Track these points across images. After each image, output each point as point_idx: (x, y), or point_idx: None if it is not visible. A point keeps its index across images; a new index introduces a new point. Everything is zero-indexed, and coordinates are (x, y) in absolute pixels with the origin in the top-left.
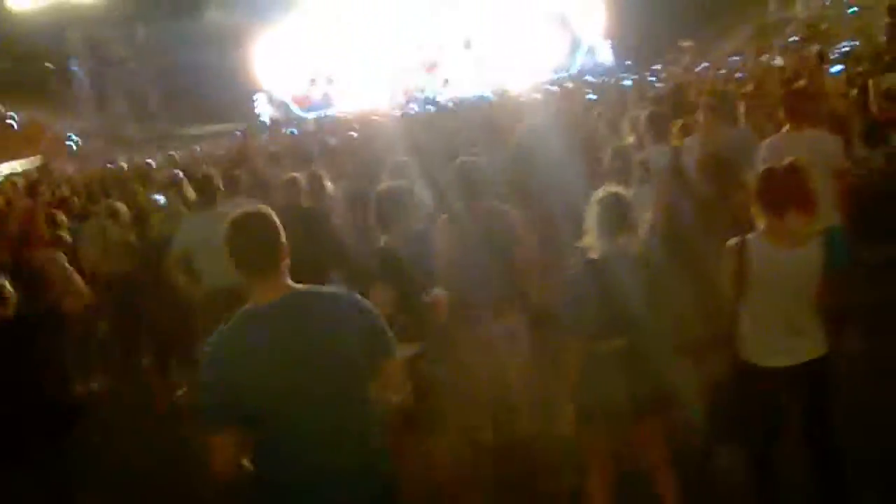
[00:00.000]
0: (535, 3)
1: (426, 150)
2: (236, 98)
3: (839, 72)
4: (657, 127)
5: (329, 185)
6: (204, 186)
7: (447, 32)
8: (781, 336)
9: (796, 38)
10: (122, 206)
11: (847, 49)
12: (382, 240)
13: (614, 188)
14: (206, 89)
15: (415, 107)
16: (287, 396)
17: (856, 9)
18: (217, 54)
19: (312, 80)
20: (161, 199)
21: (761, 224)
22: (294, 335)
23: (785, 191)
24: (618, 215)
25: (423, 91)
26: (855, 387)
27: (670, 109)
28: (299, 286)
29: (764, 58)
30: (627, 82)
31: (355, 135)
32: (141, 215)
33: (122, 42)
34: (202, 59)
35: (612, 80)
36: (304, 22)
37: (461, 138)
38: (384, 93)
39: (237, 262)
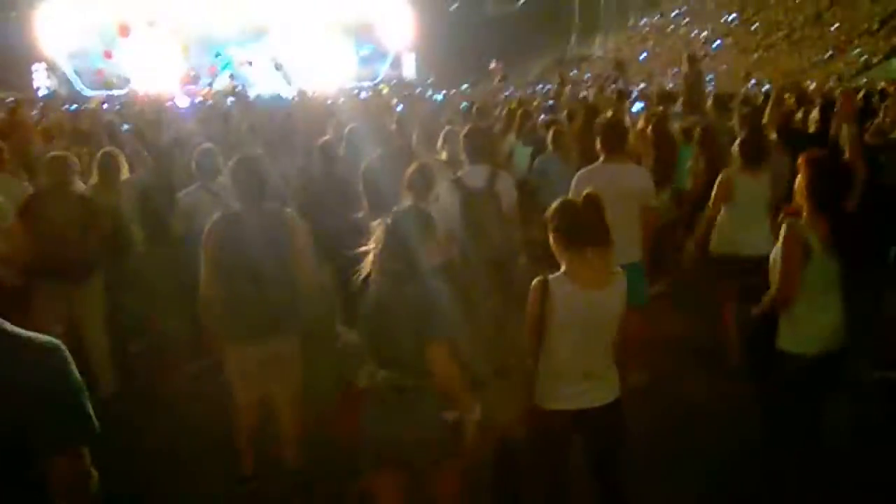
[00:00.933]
0: (340, 11)
1: (225, 144)
2: (10, 66)
3: (640, 110)
4: (476, 145)
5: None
6: None
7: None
8: (575, 380)
9: (598, 74)
10: None
11: (643, 87)
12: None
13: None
14: None
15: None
16: None
17: (646, 53)
18: None
19: (107, 54)
20: None
21: (563, 261)
22: None
23: (584, 225)
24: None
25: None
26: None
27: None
28: None
29: (568, 89)
30: (438, 96)
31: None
32: None
33: None
34: None
35: (418, 92)
36: None
37: (260, 136)
38: (174, 77)
39: None
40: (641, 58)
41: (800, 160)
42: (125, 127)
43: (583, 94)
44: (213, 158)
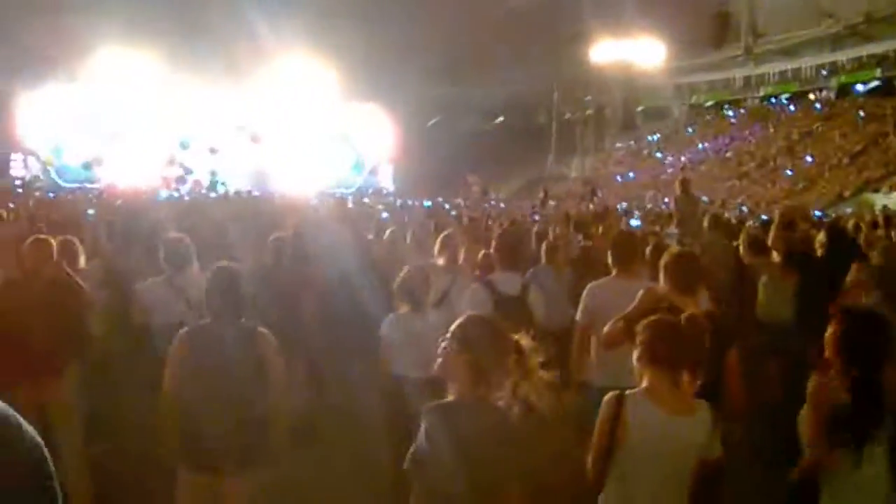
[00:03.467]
0: (323, 119)
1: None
2: None
3: (638, 227)
4: (510, 253)
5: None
6: None
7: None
8: None
9: (573, 192)
10: None
11: (625, 206)
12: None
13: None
14: None
15: (180, 189)
16: None
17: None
18: None
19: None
20: None
21: (644, 380)
22: None
23: (682, 345)
24: None
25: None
26: None
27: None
28: None
29: (552, 203)
30: (427, 203)
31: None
32: None
33: None
34: None
35: (399, 202)
36: (70, 90)
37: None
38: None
39: None
40: (617, 179)
41: (832, 310)
42: (89, 212)
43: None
44: (184, 249)
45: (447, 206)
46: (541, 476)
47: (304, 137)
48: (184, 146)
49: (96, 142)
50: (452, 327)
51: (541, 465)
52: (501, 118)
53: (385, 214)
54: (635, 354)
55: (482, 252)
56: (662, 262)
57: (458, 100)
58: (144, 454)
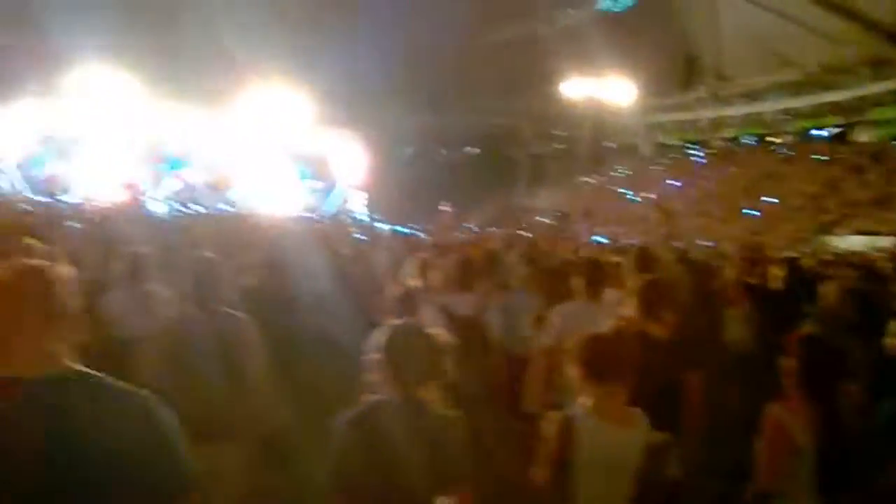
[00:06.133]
0: (294, 143)
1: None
2: None
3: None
4: (465, 275)
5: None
6: None
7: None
8: None
9: (550, 220)
10: None
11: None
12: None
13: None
14: None
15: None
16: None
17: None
18: None
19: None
20: None
21: (586, 396)
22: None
23: (619, 358)
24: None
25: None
26: None
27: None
28: (84, 370)
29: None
30: (402, 228)
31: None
32: None
33: None
34: None
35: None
36: (40, 105)
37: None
38: (114, 185)
39: None
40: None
41: (790, 338)
42: (77, 225)
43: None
44: (145, 263)
45: (421, 232)
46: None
47: (278, 161)
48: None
49: (65, 157)
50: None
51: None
52: (476, 149)
53: (359, 236)
54: (576, 371)
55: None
56: (632, 286)
57: (436, 130)
58: None
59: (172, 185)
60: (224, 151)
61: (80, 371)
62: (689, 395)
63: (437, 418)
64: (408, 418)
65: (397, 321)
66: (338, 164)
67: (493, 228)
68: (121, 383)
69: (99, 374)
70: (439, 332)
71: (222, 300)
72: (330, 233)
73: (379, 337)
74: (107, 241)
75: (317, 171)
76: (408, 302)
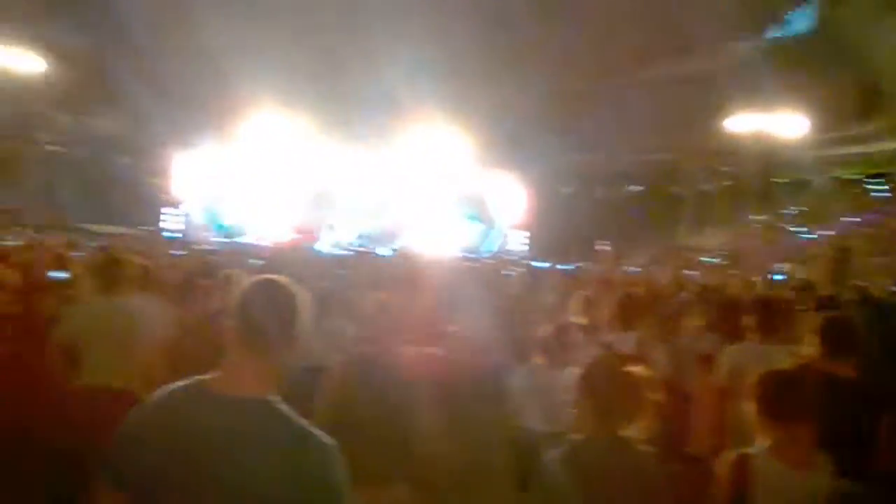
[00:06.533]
0: (453, 182)
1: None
2: (142, 207)
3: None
4: (628, 313)
5: None
6: (112, 271)
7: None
8: None
9: (716, 260)
10: (10, 275)
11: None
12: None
13: None
14: (116, 192)
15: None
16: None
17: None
18: (132, 162)
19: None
20: (60, 275)
21: (765, 438)
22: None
23: (801, 398)
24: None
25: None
26: None
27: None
28: (281, 405)
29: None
30: (564, 266)
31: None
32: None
33: (49, 125)
34: (118, 162)
35: (533, 265)
36: (220, 151)
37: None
38: (287, 226)
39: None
40: (752, 251)
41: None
42: (258, 262)
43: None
44: (331, 299)
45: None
46: None
47: (440, 201)
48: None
49: (244, 201)
50: (574, 377)
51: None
52: (638, 187)
53: (518, 275)
54: (754, 410)
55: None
56: (814, 325)
57: (595, 167)
58: None
59: (342, 225)
60: (389, 193)
61: (274, 400)
62: (883, 441)
63: (642, 456)
64: (613, 456)
65: (597, 356)
66: (497, 204)
67: (657, 267)
68: (304, 422)
69: (287, 408)
70: (639, 367)
71: (399, 339)
72: (490, 272)
73: (577, 373)
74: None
75: (477, 211)
76: (560, 340)
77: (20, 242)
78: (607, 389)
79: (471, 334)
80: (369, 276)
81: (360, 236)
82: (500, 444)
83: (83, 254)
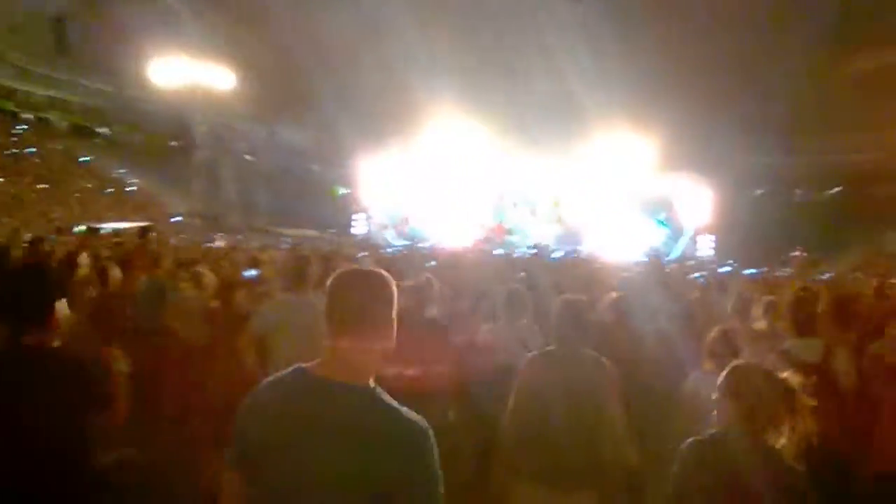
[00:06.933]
0: (636, 187)
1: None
2: (334, 211)
3: None
4: (809, 319)
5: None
6: (298, 270)
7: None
8: None
9: None
10: (208, 274)
11: None
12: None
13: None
14: (308, 197)
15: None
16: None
17: None
18: (321, 169)
19: (405, 220)
20: (252, 273)
21: None
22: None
23: None
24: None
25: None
26: None
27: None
28: (379, 389)
29: None
30: (752, 271)
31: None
32: (226, 287)
33: (243, 136)
34: (310, 169)
35: (719, 270)
36: (404, 157)
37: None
38: (466, 231)
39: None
40: None
41: None
42: (432, 263)
43: None
44: (522, 299)
45: (771, 276)
46: None
47: (620, 204)
48: (505, 209)
49: (427, 206)
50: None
51: None
52: (836, 188)
53: (702, 280)
54: None
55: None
56: None
57: (788, 169)
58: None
59: (525, 229)
60: (571, 196)
61: (376, 389)
62: None
63: (785, 467)
64: (753, 459)
65: (742, 362)
66: (683, 208)
67: (858, 275)
68: (405, 409)
69: (386, 395)
70: (788, 375)
71: (584, 340)
72: (674, 276)
73: (723, 377)
74: (458, 278)
75: (665, 215)
76: (726, 344)
77: (222, 245)
78: (750, 392)
79: (650, 339)
80: (551, 278)
81: (542, 240)
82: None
83: (274, 255)
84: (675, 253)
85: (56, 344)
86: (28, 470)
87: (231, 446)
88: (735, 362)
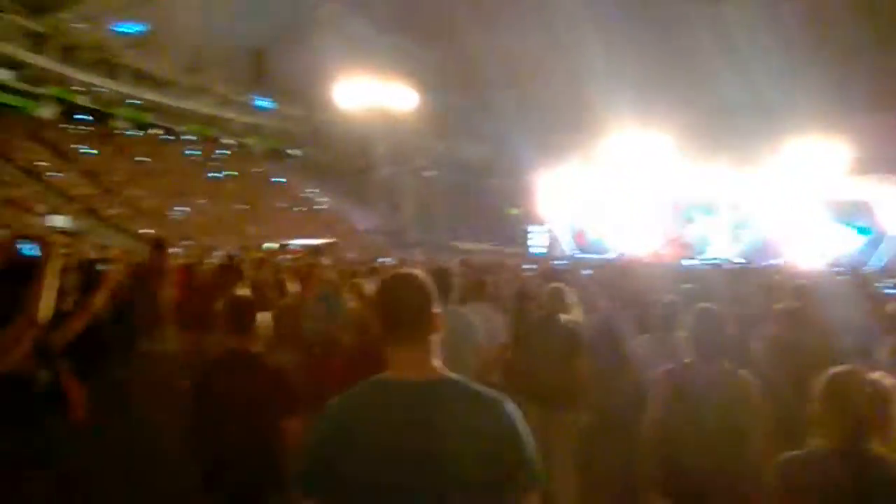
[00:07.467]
0: (829, 193)
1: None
2: (512, 224)
3: None
4: None
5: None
6: (440, 282)
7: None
8: None
9: None
10: (368, 286)
11: None
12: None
13: None
14: (485, 210)
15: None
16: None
17: None
18: (499, 184)
19: (580, 236)
20: None
21: None
22: (415, 429)
23: None
24: None
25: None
26: None
27: None
28: (451, 375)
29: None
30: None
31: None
32: None
33: (423, 152)
34: (488, 184)
35: None
36: (583, 170)
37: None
38: (648, 242)
39: (382, 321)
40: None
41: None
42: (587, 272)
43: None
44: (674, 311)
45: None
46: None
47: (811, 211)
48: (689, 219)
49: (605, 216)
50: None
51: None
52: None
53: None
54: None
55: None
56: None
57: None
58: None
59: (716, 239)
60: (760, 206)
61: (449, 376)
62: None
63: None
64: (850, 469)
65: (842, 369)
66: (884, 213)
67: None
68: (479, 386)
69: (461, 378)
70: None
71: (725, 352)
72: (862, 285)
73: (819, 383)
74: (618, 288)
75: (861, 221)
76: None
77: (392, 260)
78: (852, 400)
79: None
80: (730, 289)
81: (726, 250)
82: None
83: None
84: (878, 261)
85: (256, 350)
86: (232, 457)
87: (305, 471)
88: (835, 370)
